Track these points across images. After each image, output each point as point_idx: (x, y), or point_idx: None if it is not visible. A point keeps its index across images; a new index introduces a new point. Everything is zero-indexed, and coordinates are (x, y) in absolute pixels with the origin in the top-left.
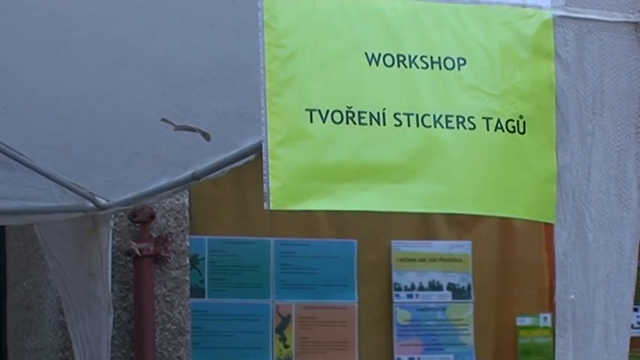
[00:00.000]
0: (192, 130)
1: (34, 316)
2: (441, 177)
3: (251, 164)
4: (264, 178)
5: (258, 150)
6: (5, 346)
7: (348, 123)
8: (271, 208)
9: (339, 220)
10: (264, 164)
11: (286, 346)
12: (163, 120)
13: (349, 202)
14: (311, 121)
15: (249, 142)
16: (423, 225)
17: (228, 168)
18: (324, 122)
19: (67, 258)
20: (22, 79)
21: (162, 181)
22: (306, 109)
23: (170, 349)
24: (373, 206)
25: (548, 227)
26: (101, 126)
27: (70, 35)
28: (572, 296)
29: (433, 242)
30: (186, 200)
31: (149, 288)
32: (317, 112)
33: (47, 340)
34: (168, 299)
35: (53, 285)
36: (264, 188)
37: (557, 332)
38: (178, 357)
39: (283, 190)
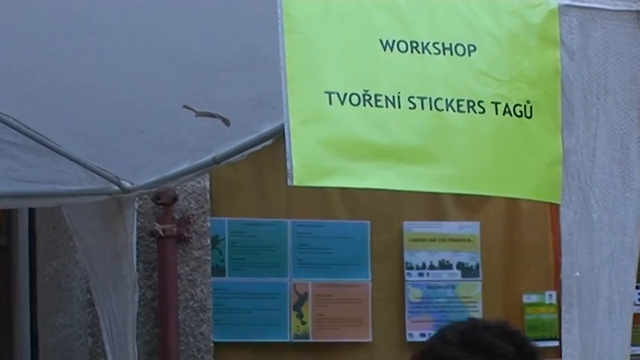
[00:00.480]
0: (213, 116)
1: (63, 295)
2: (453, 158)
3: (269, 148)
4: (287, 156)
5: (275, 135)
6: (36, 322)
7: (365, 105)
8: (294, 184)
9: (353, 203)
10: (286, 143)
11: (303, 323)
12: (185, 107)
13: (367, 180)
14: (330, 103)
15: (267, 128)
16: (434, 207)
17: (247, 152)
18: (342, 104)
19: (94, 239)
20: (50, 69)
21: (184, 165)
22: (325, 92)
23: (192, 326)
24: (389, 185)
25: (553, 209)
26: (126, 113)
27: (95, 26)
28: (578, 273)
29: (443, 223)
30: (207, 183)
31: (172, 267)
32: (335, 95)
33: (76, 317)
34: (190, 278)
35: (81, 265)
36: (288, 166)
37: (563, 308)
38: (200, 333)
39: (305, 167)
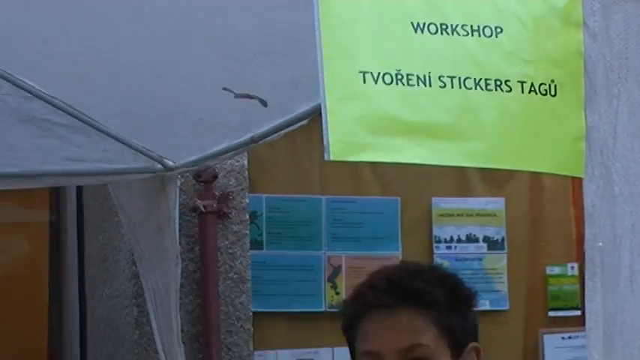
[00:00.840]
0: (251, 97)
1: (109, 267)
2: (481, 135)
3: (303, 128)
4: (324, 133)
5: (310, 115)
6: (84, 293)
7: (397, 84)
8: (331, 159)
9: (384, 180)
10: (322, 121)
11: (337, 293)
12: (225, 89)
13: (399, 155)
14: (364, 82)
15: (303, 108)
16: (461, 184)
17: (283, 132)
18: (375, 83)
19: (139, 214)
20: (96, 52)
21: (224, 144)
22: (360, 72)
23: (232, 296)
24: (420, 159)
25: (575, 186)
26: (169, 95)
27: (141, 12)
28: (600, 244)
29: (470, 199)
30: (246, 162)
31: (213, 241)
32: (369, 75)
33: (122, 288)
34: (230, 251)
35: (126, 239)
36: (324, 142)
37: (586, 277)
38: (240, 303)
39: (341, 143)
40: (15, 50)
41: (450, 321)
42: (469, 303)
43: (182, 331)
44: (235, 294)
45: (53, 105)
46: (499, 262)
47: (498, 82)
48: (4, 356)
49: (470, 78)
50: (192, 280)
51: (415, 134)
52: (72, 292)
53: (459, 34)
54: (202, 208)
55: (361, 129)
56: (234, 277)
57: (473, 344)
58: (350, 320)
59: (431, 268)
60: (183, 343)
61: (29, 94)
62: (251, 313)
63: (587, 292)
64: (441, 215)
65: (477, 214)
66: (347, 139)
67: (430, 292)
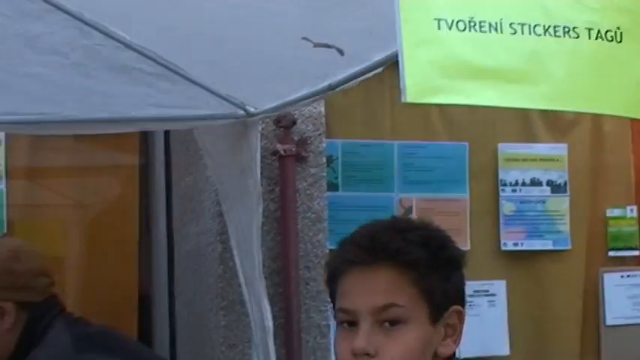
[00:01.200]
0: (329, 46)
1: (195, 207)
2: (550, 79)
3: (377, 77)
4: (401, 76)
5: (384, 63)
6: (172, 231)
7: (470, 31)
8: (407, 101)
9: (453, 126)
10: (399, 65)
11: None
12: (304, 38)
13: (472, 97)
14: (439, 29)
15: (378, 57)
16: (525, 130)
17: (359, 79)
18: (449, 30)
19: (223, 157)
20: (183, 5)
21: (303, 92)
22: (434, 19)
23: (310, 234)
24: (492, 102)
25: (635, 133)
26: (251, 44)
27: None
28: None
29: (534, 145)
30: (323, 108)
31: (292, 183)
32: (444, 22)
33: (207, 226)
34: (308, 192)
35: (211, 180)
36: (401, 85)
37: None
38: (317, 241)
39: (417, 86)
40: (107, 3)
41: (430, 283)
42: (454, 265)
43: (263, 266)
44: (313, 232)
45: (143, 55)
46: (561, 204)
47: (566, 29)
48: (97, 290)
49: (539, 25)
50: (272, 219)
51: (487, 78)
52: (160, 231)
53: None
54: (282, 152)
55: (436, 73)
56: (312, 216)
57: (455, 307)
58: (330, 274)
59: (418, 226)
60: (264, 277)
61: (121, 45)
62: (327, 251)
63: None
64: (507, 160)
65: (541, 159)
66: (422, 82)
67: (410, 251)
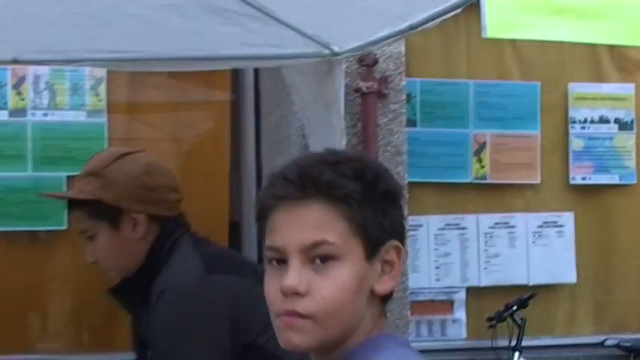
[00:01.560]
0: None
1: (282, 140)
2: (623, 15)
3: (455, 18)
4: (482, 13)
5: (465, 4)
6: (260, 163)
7: None
8: (488, 36)
9: (526, 66)
10: (481, 3)
11: (482, 167)
12: None
13: (549, 33)
14: None
15: None
16: (595, 70)
17: (439, 20)
18: None
19: (308, 94)
20: None
21: (385, 32)
22: None
23: (390, 167)
24: (569, 37)
25: None
26: None
27: None
28: None
29: (603, 85)
30: (403, 48)
31: (373, 118)
32: None
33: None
34: (388, 127)
35: (297, 115)
36: (482, 21)
37: None
38: (397, 172)
39: (497, 22)
40: None
41: (363, 217)
42: (390, 199)
43: None
44: (392, 165)
45: None
46: (628, 141)
47: None
48: (190, 219)
49: None
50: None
51: (563, 15)
52: (250, 162)
53: None
54: (364, 89)
55: (515, 10)
56: (392, 150)
57: (392, 243)
58: (259, 211)
59: (351, 158)
60: None
61: None
62: (406, 182)
63: None
64: (577, 99)
65: (609, 98)
66: (502, 18)
67: (342, 184)
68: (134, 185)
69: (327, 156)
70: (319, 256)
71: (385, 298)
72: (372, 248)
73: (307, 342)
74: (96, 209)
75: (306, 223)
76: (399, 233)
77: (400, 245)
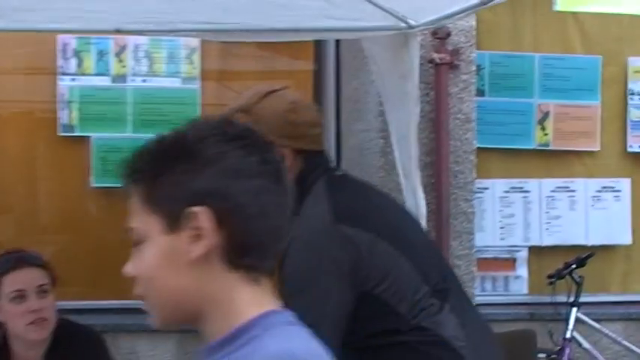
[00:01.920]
0: None
1: (360, 107)
2: None
3: None
4: None
5: None
6: (340, 129)
7: None
8: (559, 9)
9: (588, 41)
10: None
11: (545, 134)
12: None
13: (619, 6)
14: None
15: None
16: None
17: None
18: None
19: (385, 64)
20: None
21: (457, 6)
22: None
23: (460, 132)
24: (635, 11)
25: None
26: None
27: None
28: None
29: None
30: (474, 22)
31: (445, 87)
32: None
33: (371, 124)
34: (459, 96)
35: (375, 84)
36: None
37: None
38: (466, 138)
39: None
40: None
41: (157, 192)
42: (181, 165)
43: (418, 159)
44: (462, 131)
45: None
46: None
47: None
48: None
49: None
50: (427, 119)
51: None
52: (330, 128)
53: None
54: (437, 60)
55: None
56: (462, 117)
57: (190, 210)
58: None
59: (154, 138)
60: (419, 169)
61: None
62: (474, 148)
63: None
64: (635, 72)
65: None
66: None
67: (137, 167)
68: (281, 121)
69: (147, 142)
70: (134, 243)
71: (250, 268)
72: (171, 221)
73: (156, 322)
74: None
75: (129, 213)
76: (202, 199)
77: (200, 210)
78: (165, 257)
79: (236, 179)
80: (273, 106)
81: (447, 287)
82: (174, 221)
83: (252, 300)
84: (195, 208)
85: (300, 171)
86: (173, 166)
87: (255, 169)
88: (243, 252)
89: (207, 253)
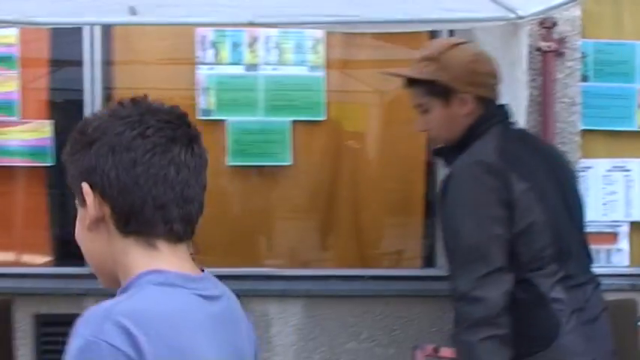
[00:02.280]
0: None
1: None
2: None
3: None
4: None
5: None
6: None
7: None
8: None
9: None
10: None
11: None
12: None
13: None
14: None
15: None
16: None
17: None
18: None
19: (496, 52)
20: None
21: None
22: None
23: (565, 115)
24: None
25: None
26: None
27: None
28: None
29: None
30: (579, 12)
31: (552, 73)
32: None
33: None
34: (564, 82)
35: None
36: None
37: None
38: (571, 121)
39: None
40: None
41: (70, 172)
42: (77, 146)
43: None
44: (568, 114)
45: None
46: None
47: None
48: (391, 159)
49: None
50: (535, 103)
51: None
52: None
53: None
54: (544, 48)
55: None
56: (567, 101)
57: (82, 186)
58: None
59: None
60: None
61: None
62: (579, 130)
63: None
64: None
65: None
66: None
67: (64, 150)
68: (465, 70)
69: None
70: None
71: (138, 234)
72: (79, 196)
73: (99, 282)
74: (432, 88)
75: None
76: (86, 174)
77: (85, 185)
78: (82, 227)
79: (111, 155)
80: (458, 56)
81: (571, 255)
82: (79, 196)
83: (141, 261)
84: (83, 184)
85: (479, 116)
86: (75, 148)
87: (130, 143)
88: (125, 221)
89: (103, 223)
